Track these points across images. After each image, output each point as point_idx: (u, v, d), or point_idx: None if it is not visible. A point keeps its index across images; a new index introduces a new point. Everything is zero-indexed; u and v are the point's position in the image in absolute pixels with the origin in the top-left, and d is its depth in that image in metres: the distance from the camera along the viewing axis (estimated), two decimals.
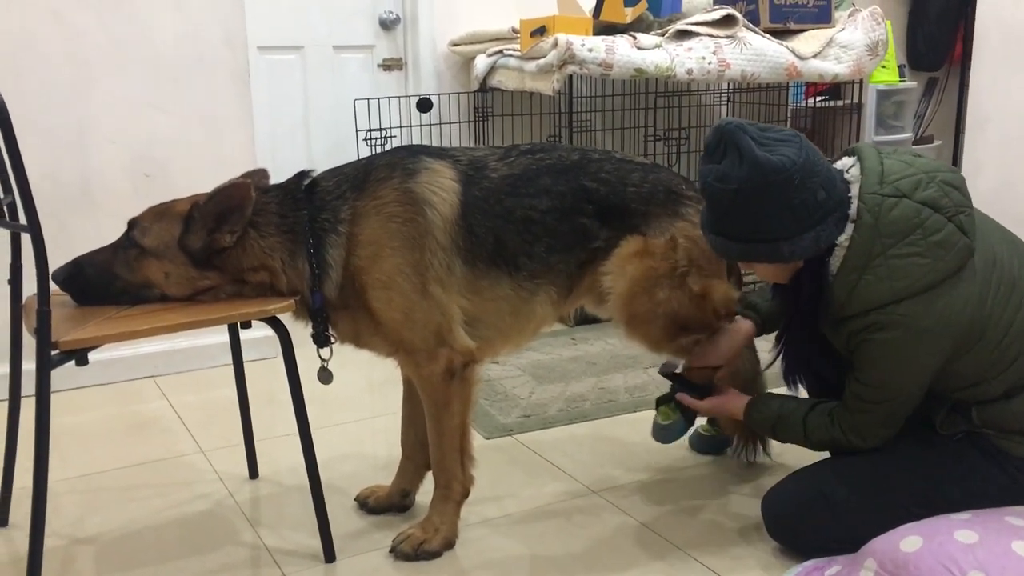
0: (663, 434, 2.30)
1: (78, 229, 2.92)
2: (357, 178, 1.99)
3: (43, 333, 1.72)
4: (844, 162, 1.87)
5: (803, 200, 1.71)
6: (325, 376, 2.08)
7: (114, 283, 1.92)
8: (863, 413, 1.89)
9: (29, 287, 1.98)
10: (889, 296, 1.75)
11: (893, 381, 1.82)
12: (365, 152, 3.78)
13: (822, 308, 1.85)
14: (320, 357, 2.05)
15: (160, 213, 1.96)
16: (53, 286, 1.81)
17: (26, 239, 1.85)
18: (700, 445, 2.55)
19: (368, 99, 3.92)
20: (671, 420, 2.26)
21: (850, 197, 1.78)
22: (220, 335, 3.20)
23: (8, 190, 1.93)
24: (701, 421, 2.50)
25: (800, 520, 1.98)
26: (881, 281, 1.75)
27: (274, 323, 1.94)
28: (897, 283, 1.74)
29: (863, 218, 1.76)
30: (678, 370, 2.21)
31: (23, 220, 1.77)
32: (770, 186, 1.70)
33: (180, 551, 2.11)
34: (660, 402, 2.29)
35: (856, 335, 1.81)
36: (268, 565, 2.04)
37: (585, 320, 3.63)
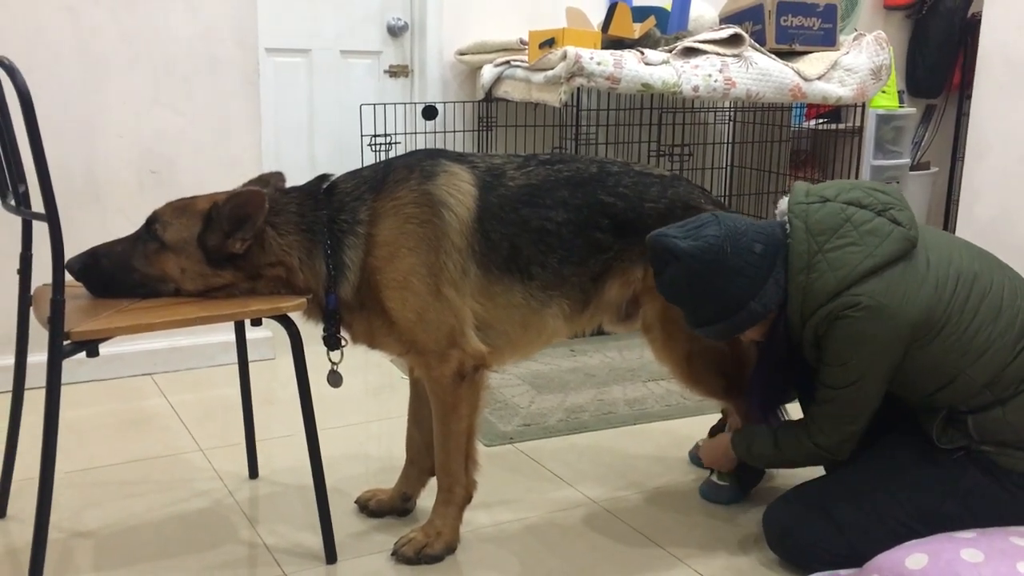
0: (716, 492, 2.36)
1: (83, 222, 2.89)
2: (375, 180, 2.00)
3: (56, 323, 1.72)
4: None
5: (745, 260, 1.87)
6: (335, 379, 2.08)
7: (131, 275, 1.91)
8: (827, 403, 1.93)
9: (38, 278, 1.98)
10: (835, 285, 1.84)
11: (853, 359, 1.85)
12: (369, 157, 3.80)
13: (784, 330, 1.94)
14: (330, 360, 2.05)
15: (181, 209, 1.95)
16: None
17: (38, 229, 1.84)
18: (713, 495, 2.41)
19: (374, 104, 3.94)
20: (727, 482, 2.34)
21: (786, 229, 1.92)
22: (220, 334, 3.22)
23: (22, 179, 1.92)
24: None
25: (801, 533, 1.99)
26: (825, 275, 1.85)
27: (285, 321, 1.93)
28: (839, 272, 1.84)
29: (794, 224, 1.91)
30: None
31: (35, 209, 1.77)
32: (709, 265, 1.85)
33: (180, 547, 2.10)
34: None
35: (821, 327, 1.87)
36: (268, 564, 2.03)
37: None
